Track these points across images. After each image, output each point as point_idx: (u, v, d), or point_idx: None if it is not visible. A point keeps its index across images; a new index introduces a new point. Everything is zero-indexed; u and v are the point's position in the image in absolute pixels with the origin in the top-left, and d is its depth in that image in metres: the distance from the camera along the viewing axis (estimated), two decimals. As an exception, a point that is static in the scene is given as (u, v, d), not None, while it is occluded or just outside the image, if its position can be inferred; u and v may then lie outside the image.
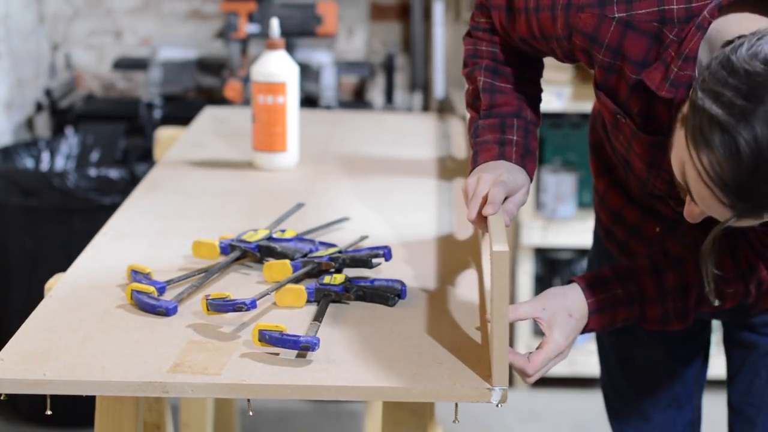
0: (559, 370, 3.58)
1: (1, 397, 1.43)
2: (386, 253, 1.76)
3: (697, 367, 1.95)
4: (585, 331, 1.61)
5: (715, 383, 2.30)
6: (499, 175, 1.61)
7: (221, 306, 1.56)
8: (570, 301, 1.58)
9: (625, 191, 1.81)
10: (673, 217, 1.70)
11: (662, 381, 1.93)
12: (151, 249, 1.85)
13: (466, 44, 1.77)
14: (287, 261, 1.72)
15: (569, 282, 1.62)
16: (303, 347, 1.47)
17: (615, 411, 2.00)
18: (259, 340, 1.49)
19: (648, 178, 1.67)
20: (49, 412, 1.44)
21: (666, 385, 1.94)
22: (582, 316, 1.59)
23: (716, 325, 1.98)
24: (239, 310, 1.56)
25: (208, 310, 1.57)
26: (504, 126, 1.69)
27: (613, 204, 1.84)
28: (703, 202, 1.40)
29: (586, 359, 3.46)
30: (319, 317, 1.57)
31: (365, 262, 1.72)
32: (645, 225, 1.78)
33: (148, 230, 1.94)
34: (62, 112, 3.87)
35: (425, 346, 1.52)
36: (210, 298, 1.58)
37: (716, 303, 1.60)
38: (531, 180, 1.69)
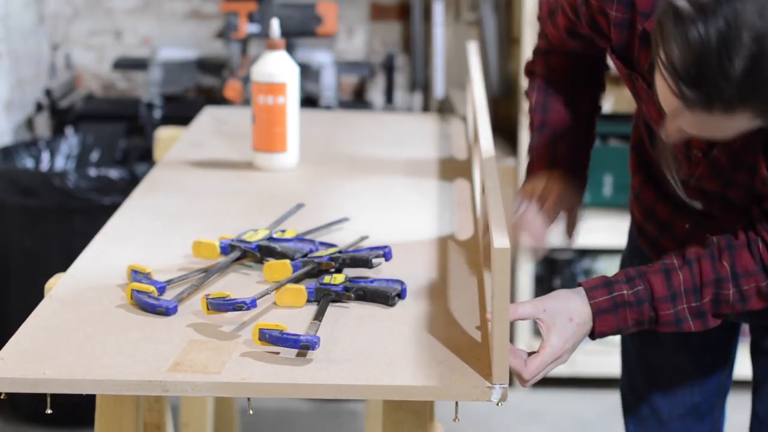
0: (559, 370, 3.56)
1: (2, 396, 1.43)
2: (386, 253, 1.76)
3: (720, 377, 1.93)
4: (595, 335, 1.60)
5: (740, 384, 2.26)
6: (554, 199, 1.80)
7: (221, 305, 1.56)
8: (572, 305, 1.58)
9: (659, 187, 1.81)
10: (701, 212, 1.71)
11: (683, 388, 1.92)
12: (151, 249, 1.85)
13: (526, 66, 1.92)
14: (287, 261, 1.72)
15: (578, 286, 1.62)
16: (303, 346, 1.47)
17: (631, 414, 1.99)
18: (260, 339, 1.49)
19: (675, 154, 1.67)
20: (49, 411, 1.44)
21: (686, 393, 1.92)
22: (584, 321, 1.58)
23: (745, 329, 1.95)
24: (239, 309, 1.56)
25: (208, 309, 1.57)
26: (555, 141, 1.83)
27: (646, 200, 1.84)
28: (663, 100, 1.43)
29: (586, 359, 3.46)
30: (319, 316, 1.57)
31: (365, 262, 1.73)
32: (675, 222, 1.78)
33: (148, 230, 1.94)
34: (62, 112, 3.87)
35: (425, 345, 1.52)
36: (210, 297, 1.58)
37: (698, 206, 1.66)
38: (582, 193, 1.86)
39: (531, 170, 1.85)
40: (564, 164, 1.83)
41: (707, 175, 1.62)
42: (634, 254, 1.92)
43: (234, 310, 1.56)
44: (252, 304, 1.56)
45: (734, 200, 1.64)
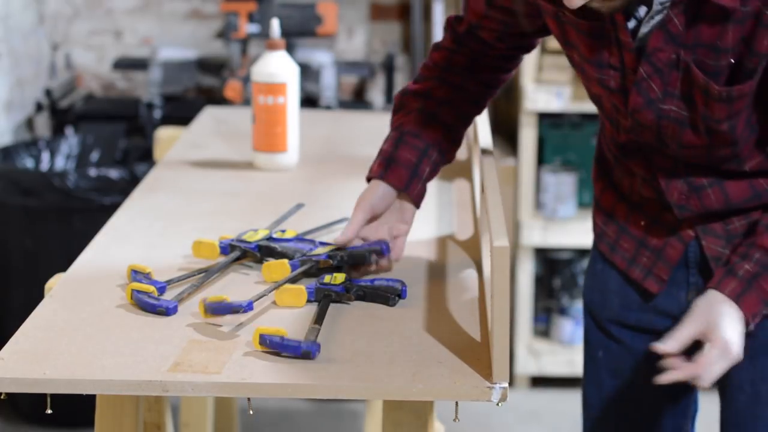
0: (559, 370, 3.58)
1: (2, 396, 1.43)
2: (384, 249, 1.75)
3: (687, 401, 1.90)
4: (751, 321, 1.62)
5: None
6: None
7: (218, 309, 1.56)
8: (716, 302, 1.61)
9: (618, 191, 1.83)
10: (660, 204, 1.74)
11: (649, 413, 1.90)
12: (151, 249, 1.85)
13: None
14: (286, 261, 1.72)
15: (705, 289, 1.65)
16: (303, 353, 1.47)
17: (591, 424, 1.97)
18: (260, 344, 1.49)
19: (615, 106, 1.68)
20: (49, 411, 1.44)
21: (653, 416, 1.91)
22: (732, 311, 1.61)
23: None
24: (236, 312, 1.55)
25: (205, 313, 1.57)
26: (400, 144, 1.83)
27: (605, 204, 1.86)
28: None
29: (586, 359, 3.45)
30: (319, 320, 1.56)
31: (363, 258, 1.72)
32: (632, 219, 1.80)
33: (148, 230, 1.94)
34: (62, 112, 3.87)
35: (425, 345, 1.52)
36: (207, 301, 1.57)
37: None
38: (416, 205, 1.79)
39: (373, 165, 1.84)
40: (397, 177, 1.80)
41: (641, 103, 1.63)
42: (595, 260, 1.92)
43: (231, 313, 1.56)
44: (248, 307, 1.56)
45: (668, 141, 1.65)
